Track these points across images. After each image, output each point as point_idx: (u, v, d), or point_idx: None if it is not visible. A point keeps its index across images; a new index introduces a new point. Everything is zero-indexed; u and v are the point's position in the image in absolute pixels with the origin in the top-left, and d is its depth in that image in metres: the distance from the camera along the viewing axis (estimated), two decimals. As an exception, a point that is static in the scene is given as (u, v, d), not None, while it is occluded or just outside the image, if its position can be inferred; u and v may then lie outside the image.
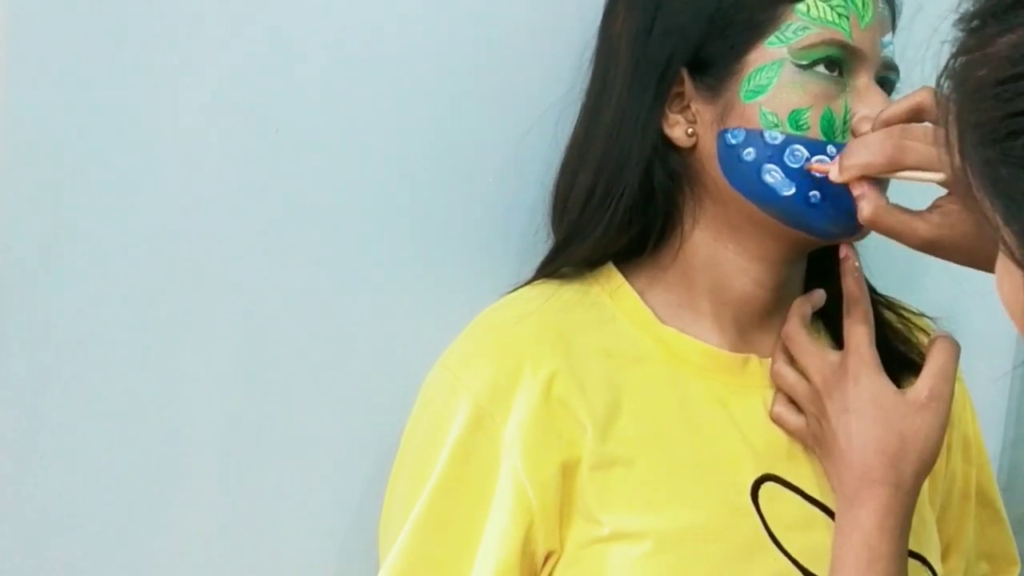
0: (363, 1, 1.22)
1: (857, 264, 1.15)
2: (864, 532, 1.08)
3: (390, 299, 1.25)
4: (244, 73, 1.19)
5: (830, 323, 1.23)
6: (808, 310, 1.18)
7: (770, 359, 1.18)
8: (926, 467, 1.11)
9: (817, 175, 1.11)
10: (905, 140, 1.06)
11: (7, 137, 1.12)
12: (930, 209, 1.08)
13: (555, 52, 1.24)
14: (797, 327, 1.16)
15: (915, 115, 1.07)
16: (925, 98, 1.07)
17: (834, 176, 1.09)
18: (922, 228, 1.07)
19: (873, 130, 1.09)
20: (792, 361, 1.16)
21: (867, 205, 1.08)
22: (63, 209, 1.14)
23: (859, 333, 1.13)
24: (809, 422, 1.15)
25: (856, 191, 1.08)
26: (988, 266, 0.81)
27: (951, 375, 1.12)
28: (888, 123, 1.08)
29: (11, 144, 1.12)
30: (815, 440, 1.14)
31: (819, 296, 1.20)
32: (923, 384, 1.12)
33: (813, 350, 1.15)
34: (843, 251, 1.15)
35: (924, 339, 1.25)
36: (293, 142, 1.20)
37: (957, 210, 1.05)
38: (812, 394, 1.14)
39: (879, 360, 1.13)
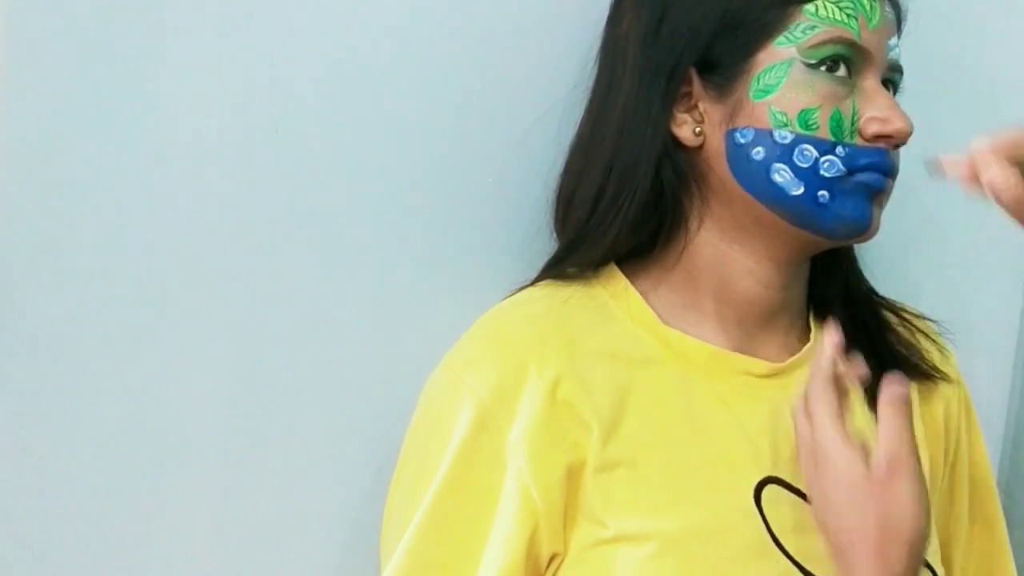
0: (365, -1, 1.22)
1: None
2: None
3: (392, 299, 1.24)
4: (244, 73, 1.18)
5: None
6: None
7: (772, 359, 1.18)
8: (914, 546, 1.03)
9: (825, 175, 1.11)
10: None
11: (7, 137, 1.12)
12: None
13: (558, 52, 1.24)
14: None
15: None
16: None
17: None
18: None
19: None
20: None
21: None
22: (63, 210, 1.14)
23: (821, 413, 1.06)
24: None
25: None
26: None
27: (905, 433, 1.05)
28: None
29: (12, 145, 1.12)
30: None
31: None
32: (881, 455, 1.03)
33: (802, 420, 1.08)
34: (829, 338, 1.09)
35: (926, 342, 1.26)
36: (293, 142, 1.20)
37: None
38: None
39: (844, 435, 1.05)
